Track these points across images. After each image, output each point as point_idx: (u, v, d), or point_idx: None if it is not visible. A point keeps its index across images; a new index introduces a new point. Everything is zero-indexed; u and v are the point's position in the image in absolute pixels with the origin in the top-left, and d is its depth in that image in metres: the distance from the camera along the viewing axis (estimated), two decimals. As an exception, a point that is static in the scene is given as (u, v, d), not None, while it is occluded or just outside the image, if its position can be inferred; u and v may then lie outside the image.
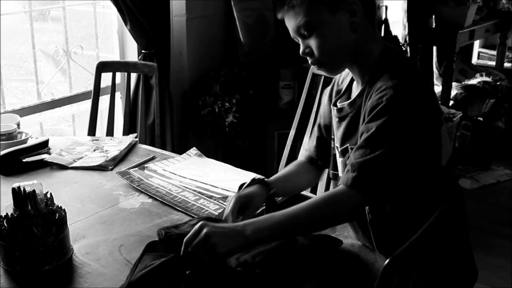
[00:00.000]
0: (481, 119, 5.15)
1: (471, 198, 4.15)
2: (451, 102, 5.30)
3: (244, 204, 1.60)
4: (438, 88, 5.36)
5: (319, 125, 1.78)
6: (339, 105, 1.61)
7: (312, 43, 1.49)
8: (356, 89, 1.58)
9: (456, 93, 5.43)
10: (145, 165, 2.09)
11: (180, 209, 1.76)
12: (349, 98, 1.59)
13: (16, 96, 4.09)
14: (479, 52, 6.78)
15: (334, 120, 1.64)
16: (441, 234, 1.25)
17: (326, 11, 1.45)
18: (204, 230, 1.32)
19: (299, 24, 1.48)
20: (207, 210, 1.74)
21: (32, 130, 3.08)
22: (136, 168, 2.07)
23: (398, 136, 1.37)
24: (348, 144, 1.56)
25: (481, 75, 5.69)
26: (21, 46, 3.64)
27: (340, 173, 1.64)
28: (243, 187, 1.67)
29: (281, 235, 1.41)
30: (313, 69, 2.50)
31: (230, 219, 1.55)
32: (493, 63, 6.35)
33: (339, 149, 1.61)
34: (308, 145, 1.85)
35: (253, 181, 1.68)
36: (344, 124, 1.58)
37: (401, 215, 1.45)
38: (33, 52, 2.92)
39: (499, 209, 4.02)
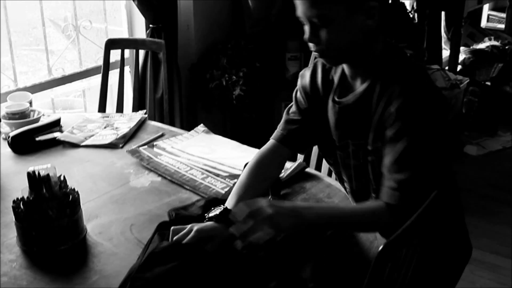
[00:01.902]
0: (489, 83, 5.16)
1: (476, 165, 4.20)
2: (459, 67, 5.31)
3: (204, 239, 1.45)
4: (446, 53, 5.36)
5: (300, 110, 1.76)
6: (338, 100, 1.61)
7: (323, 35, 1.47)
8: (354, 84, 1.59)
9: (464, 58, 5.43)
10: (154, 143, 2.15)
11: (188, 187, 1.83)
12: (346, 92, 1.61)
13: (26, 64, 4.13)
14: (488, 15, 6.74)
15: (333, 116, 1.64)
16: (435, 218, 1.30)
17: (344, 10, 1.44)
18: (271, 209, 1.36)
19: (314, 14, 1.45)
20: (214, 189, 1.80)
21: (44, 102, 3.15)
22: (146, 146, 2.12)
23: (430, 145, 1.43)
24: (349, 140, 1.61)
25: (490, 39, 5.67)
26: (29, 12, 3.66)
27: (340, 164, 1.69)
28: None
29: (334, 227, 1.49)
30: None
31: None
32: (502, 26, 6.31)
33: (338, 144, 1.65)
34: (281, 131, 1.80)
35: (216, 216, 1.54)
36: (345, 120, 1.61)
37: None
38: (43, 29, 2.97)
39: (504, 175, 4.05)
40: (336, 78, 1.65)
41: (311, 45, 1.52)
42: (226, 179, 1.87)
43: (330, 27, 1.45)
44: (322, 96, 1.69)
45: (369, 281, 1.13)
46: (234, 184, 1.79)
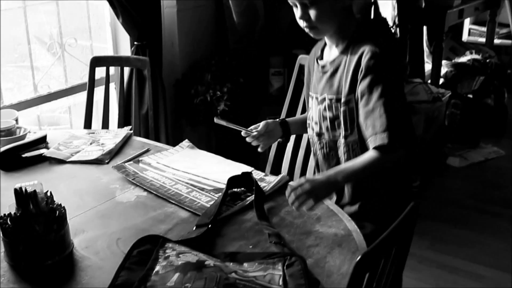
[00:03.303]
0: (471, 96, 5.23)
1: (459, 176, 4.26)
2: (441, 80, 5.38)
3: (267, 132, 2.15)
4: (428, 67, 5.44)
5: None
6: (320, 62, 2.00)
7: (312, 12, 1.83)
8: (331, 51, 1.97)
9: (446, 71, 5.50)
10: (140, 158, 2.18)
11: (173, 201, 1.86)
12: (325, 56, 2.01)
13: (11, 81, 4.13)
14: (469, 29, 6.84)
15: (317, 74, 2.02)
16: (412, 228, 1.34)
17: None
18: (308, 184, 1.66)
19: None
20: (199, 202, 1.83)
21: (30, 119, 3.17)
22: (131, 162, 2.15)
23: (397, 91, 1.80)
24: (325, 94, 1.95)
25: (471, 53, 5.76)
26: (14, 28, 3.68)
27: (315, 118, 2.03)
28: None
29: (353, 181, 1.91)
30: (301, 58, 2.60)
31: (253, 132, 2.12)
32: (483, 39, 6.41)
33: (319, 98, 1.99)
34: None
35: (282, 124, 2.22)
36: (324, 78, 1.96)
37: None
38: (28, 48, 3.00)
39: (486, 186, 4.11)
40: (320, 46, 2.06)
41: (301, 21, 1.88)
42: (211, 192, 1.90)
43: (318, 6, 1.82)
44: (313, 61, 2.09)
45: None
46: (218, 198, 1.83)
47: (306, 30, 1.90)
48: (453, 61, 5.67)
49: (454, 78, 5.42)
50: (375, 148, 1.76)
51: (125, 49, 3.38)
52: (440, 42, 5.12)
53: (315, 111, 2.02)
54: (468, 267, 3.14)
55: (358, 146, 1.90)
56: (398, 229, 1.26)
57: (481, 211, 3.76)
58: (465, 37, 6.71)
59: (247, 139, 2.15)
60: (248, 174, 1.93)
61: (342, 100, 1.88)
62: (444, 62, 5.45)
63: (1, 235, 1.53)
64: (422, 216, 3.52)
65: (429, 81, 5.12)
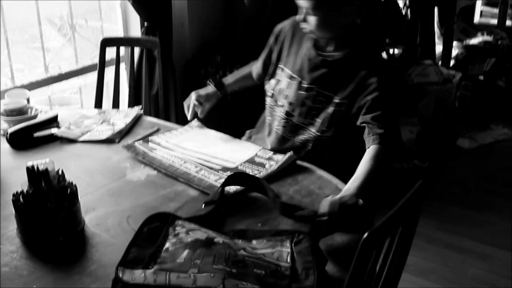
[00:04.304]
0: (481, 78, 5.21)
1: (469, 158, 4.25)
2: (452, 62, 5.36)
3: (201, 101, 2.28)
4: (439, 48, 5.41)
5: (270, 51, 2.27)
6: (320, 52, 2.03)
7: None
8: (333, 47, 2.02)
9: (458, 53, 5.48)
10: (149, 138, 2.19)
11: (183, 180, 1.88)
12: (322, 48, 2.05)
13: (22, 62, 4.16)
14: (481, 10, 6.78)
15: (309, 61, 2.05)
16: (419, 208, 1.35)
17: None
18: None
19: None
20: (207, 181, 1.85)
21: (41, 99, 3.19)
22: (141, 141, 2.17)
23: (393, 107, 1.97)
24: (315, 86, 2.03)
25: (482, 35, 5.72)
26: (25, 10, 3.70)
27: (291, 98, 2.09)
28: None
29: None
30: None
31: (189, 112, 2.27)
32: (495, 21, 6.35)
33: (304, 85, 2.06)
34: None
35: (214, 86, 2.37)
36: (321, 71, 2.02)
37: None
38: (39, 28, 3.01)
39: (496, 168, 4.11)
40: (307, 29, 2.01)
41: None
42: (219, 171, 1.92)
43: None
44: (291, 39, 2.16)
45: (354, 269, 1.17)
46: (227, 176, 1.84)
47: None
48: (464, 42, 5.63)
49: (465, 60, 5.39)
50: (378, 143, 1.86)
51: (135, 30, 3.38)
52: (451, 24, 5.09)
53: (293, 92, 2.09)
54: (476, 247, 3.15)
55: (328, 142, 2.02)
56: (405, 208, 1.27)
57: (490, 192, 3.77)
58: (476, 18, 6.65)
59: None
60: (248, 175, 1.87)
61: (335, 100, 1.99)
62: (455, 43, 5.42)
63: (14, 212, 1.55)
64: (431, 197, 3.56)
65: (439, 63, 5.09)
